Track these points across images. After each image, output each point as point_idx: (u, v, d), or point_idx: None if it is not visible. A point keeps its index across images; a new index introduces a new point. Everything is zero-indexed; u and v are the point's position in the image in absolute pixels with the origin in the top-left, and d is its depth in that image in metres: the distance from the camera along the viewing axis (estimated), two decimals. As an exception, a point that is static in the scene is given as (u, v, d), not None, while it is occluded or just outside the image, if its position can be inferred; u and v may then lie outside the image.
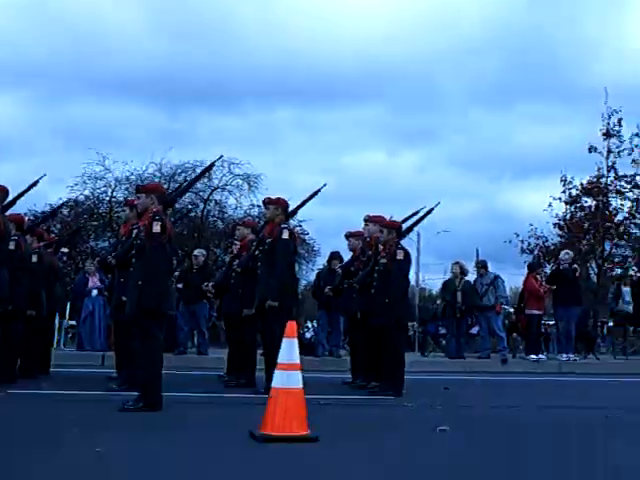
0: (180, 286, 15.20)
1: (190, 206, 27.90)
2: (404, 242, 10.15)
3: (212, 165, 9.97)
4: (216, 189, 29.52)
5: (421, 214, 10.43)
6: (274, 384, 6.04)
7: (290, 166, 43.92)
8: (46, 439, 5.80)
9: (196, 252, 16.15)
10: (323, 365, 13.97)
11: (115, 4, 39.21)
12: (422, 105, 52.88)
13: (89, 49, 38.71)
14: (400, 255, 9.71)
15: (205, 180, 27.87)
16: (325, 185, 10.17)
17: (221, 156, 9.26)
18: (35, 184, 10.23)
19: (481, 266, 16.53)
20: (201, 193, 29.27)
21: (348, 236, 11.33)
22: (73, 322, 17.11)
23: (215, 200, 29.89)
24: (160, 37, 40.78)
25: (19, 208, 10.39)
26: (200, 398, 8.88)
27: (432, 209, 10.35)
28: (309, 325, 20.97)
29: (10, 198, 9.62)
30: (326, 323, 15.71)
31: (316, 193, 10.07)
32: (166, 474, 4.48)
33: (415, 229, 10.97)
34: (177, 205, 21.41)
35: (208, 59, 39.84)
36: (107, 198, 29.22)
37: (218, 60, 40.17)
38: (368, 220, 10.49)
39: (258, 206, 26.38)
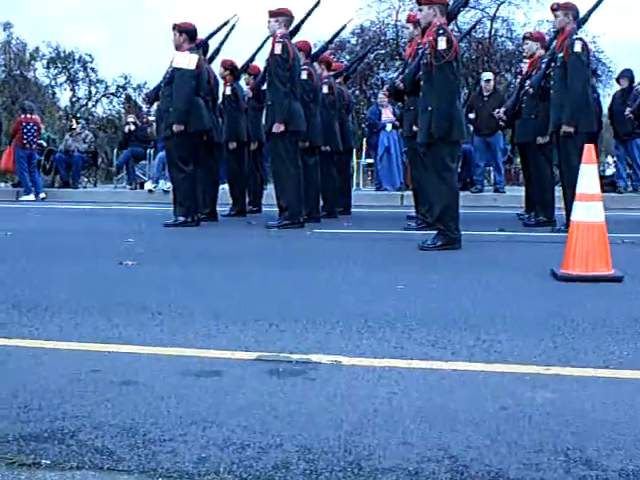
0: (472, 116, 14.12)
1: (476, 24, 24.86)
2: None
3: None
4: (502, 3, 27.61)
5: None
6: (573, 217, 5.78)
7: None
8: (348, 271, 5.99)
9: (487, 75, 15.09)
10: (625, 202, 13.15)
11: None
12: None
13: None
14: None
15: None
16: None
17: None
18: (317, 4, 9.77)
19: None
20: (487, 9, 27.56)
21: None
22: (370, 160, 16.98)
23: (502, 17, 28.06)
24: None
25: (303, 35, 10.05)
26: (498, 236, 8.74)
27: None
28: (609, 160, 19.78)
29: (295, 24, 9.46)
30: (623, 154, 14.60)
31: None
32: (468, 308, 4.48)
33: None
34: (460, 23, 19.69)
35: None
36: (392, 22, 27.89)
37: None
38: None
39: (549, 21, 24.22)
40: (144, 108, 34.00)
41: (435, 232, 7.50)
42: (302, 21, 9.69)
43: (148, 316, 4.31)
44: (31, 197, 15.73)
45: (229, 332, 3.93)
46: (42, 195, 15.86)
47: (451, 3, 8.04)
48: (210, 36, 10.45)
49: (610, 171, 16.58)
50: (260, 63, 11.15)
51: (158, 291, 5.19)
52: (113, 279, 5.70)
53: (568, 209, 8.02)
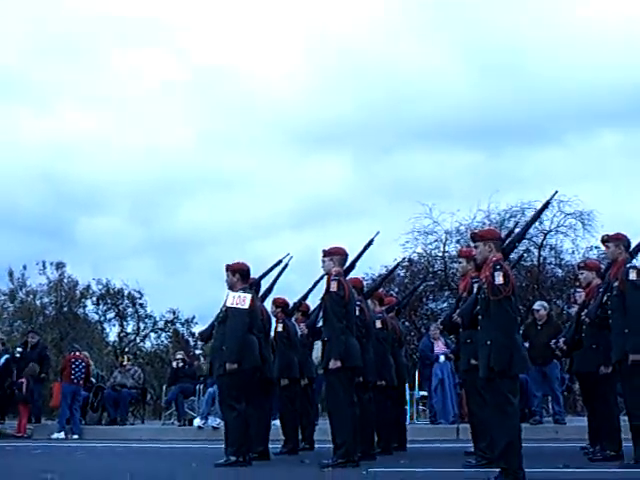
0: (526, 345, 14.19)
1: (524, 253, 24.73)
2: None
3: (548, 203, 8.94)
4: (549, 232, 27.32)
5: None
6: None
7: (624, 198, 38.91)
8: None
9: (536, 305, 15.03)
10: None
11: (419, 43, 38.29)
12: None
13: (399, 96, 37.83)
14: None
15: (536, 223, 26.27)
16: None
17: (556, 192, 8.66)
18: (370, 243, 10.04)
19: None
20: (534, 238, 27.26)
21: None
22: (424, 392, 16.69)
23: (550, 245, 27.79)
24: (470, 72, 38.33)
25: (355, 272, 10.23)
26: (563, 474, 8.29)
27: None
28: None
29: (349, 262, 9.62)
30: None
31: None
32: None
33: None
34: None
35: (515, 91, 36.86)
36: (440, 254, 28.00)
37: (526, 92, 36.95)
38: None
39: (597, 247, 24.37)
40: (191, 342, 34.34)
41: (497, 471, 7.16)
42: (356, 259, 9.85)
43: None
44: (61, 435, 15.62)
45: None
46: (75, 436, 15.71)
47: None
48: (263, 275, 10.63)
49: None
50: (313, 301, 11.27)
51: None
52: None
53: (637, 443, 7.68)
